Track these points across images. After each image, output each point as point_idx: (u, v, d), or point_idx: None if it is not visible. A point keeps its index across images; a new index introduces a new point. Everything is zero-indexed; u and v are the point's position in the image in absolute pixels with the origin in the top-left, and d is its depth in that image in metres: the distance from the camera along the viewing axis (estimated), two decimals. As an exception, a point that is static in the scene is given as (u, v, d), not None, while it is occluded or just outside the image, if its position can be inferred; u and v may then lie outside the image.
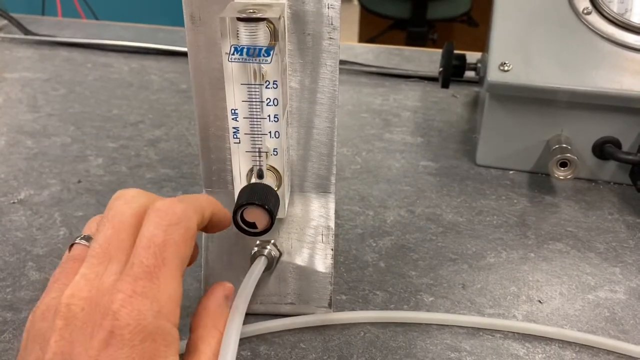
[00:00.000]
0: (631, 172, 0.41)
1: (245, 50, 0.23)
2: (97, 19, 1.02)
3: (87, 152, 0.46)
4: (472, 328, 0.30)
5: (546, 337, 0.29)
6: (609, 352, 0.28)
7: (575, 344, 0.29)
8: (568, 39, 0.41)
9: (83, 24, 0.81)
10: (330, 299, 0.30)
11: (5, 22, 0.75)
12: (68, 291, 0.20)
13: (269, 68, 0.23)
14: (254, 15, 0.22)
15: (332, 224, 0.30)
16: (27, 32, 0.72)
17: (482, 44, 0.50)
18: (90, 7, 1.02)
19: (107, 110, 0.53)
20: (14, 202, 0.40)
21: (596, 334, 0.29)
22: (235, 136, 0.25)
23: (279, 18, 0.22)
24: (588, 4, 0.42)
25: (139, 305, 0.19)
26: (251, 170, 0.26)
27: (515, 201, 0.40)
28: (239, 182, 0.26)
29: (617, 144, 0.41)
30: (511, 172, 0.44)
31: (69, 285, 0.21)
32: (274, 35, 0.23)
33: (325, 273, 0.29)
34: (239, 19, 0.22)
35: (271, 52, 0.23)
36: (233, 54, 0.23)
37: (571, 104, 0.40)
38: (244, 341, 0.29)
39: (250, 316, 0.30)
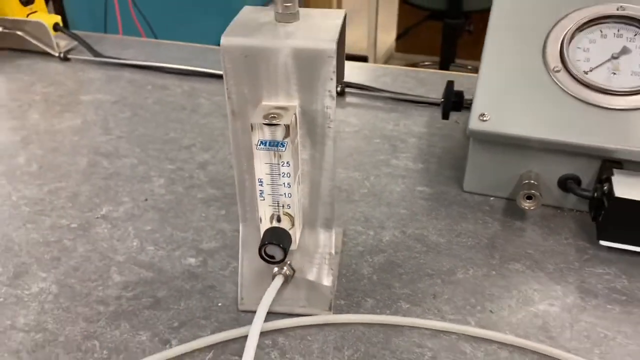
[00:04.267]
0: (589, 202, 0.50)
1: (268, 142, 0.33)
2: (155, 35, 1.14)
3: (151, 173, 0.58)
4: (435, 330, 0.40)
5: (489, 339, 0.39)
6: (534, 352, 0.38)
7: (511, 345, 0.39)
8: (539, 94, 0.50)
9: (142, 42, 0.93)
10: (331, 304, 0.41)
11: (75, 43, 0.87)
12: None
13: (284, 153, 0.34)
14: (274, 122, 0.33)
15: (333, 251, 0.40)
16: (96, 54, 0.84)
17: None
18: (150, 24, 1.14)
19: (164, 133, 0.65)
20: (97, 217, 0.52)
21: (528, 339, 0.39)
22: (261, 195, 0.36)
23: (290, 123, 0.33)
24: (558, 63, 0.50)
25: None
26: (272, 215, 0.37)
27: (489, 225, 0.50)
28: (265, 223, 0.37)
29: (577, 181, 0.50)
30: (492, 198, 0.53)
31: None
32: (288, 132, 0.33)
33: (328, 286, 0.40)
34: (264, 124, 0.33)
35: (286, 144, 0.33)
36: (259, 145, 0.33)
37: (540, 148, 0.49)
38: (267, 334, 0.40)
39: (273, 315, 0.41)
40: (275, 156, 0.34)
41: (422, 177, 0.57)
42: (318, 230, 0.40)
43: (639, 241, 0.46)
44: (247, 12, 0.37)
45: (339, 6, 3.16)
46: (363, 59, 2.13)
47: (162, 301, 0.43)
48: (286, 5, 0.34)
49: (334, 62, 0.33)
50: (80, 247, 0.48)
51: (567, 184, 0.50)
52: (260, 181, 0.35)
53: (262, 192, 0.35)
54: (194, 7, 1.31)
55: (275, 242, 0.35)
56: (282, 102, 0.35)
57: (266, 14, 0.36)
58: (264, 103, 0.35)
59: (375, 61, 2.29)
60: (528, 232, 0.49)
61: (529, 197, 0.49)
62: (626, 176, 0.46)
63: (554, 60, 0.50)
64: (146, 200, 0.54)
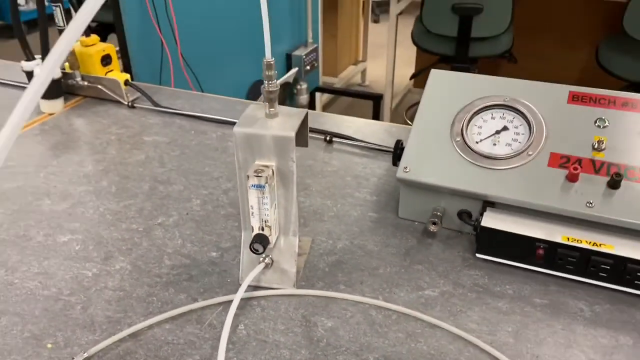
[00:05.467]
0: (474, 229, 0.75)
1: (256, 185, 0.60)
2: (200, 85, 1.44)
3: (191, 196, 0.86)
4: (356, 301, 0.66)
5: (388, 308, 0.65)
6: (412, 316, 0.63)
7: (400, 312, 0.64)
8: (445, 156, 0.75)
9: (189, 94, 1.22)
10: (295, 283, 0.67)
11: (139, 94, 1.17)
12: None
13: (265, 191, 0.61)
14: (260, 174, 0.60)
15: (296, 250, 0.67)
16: (155, 104, 1.13)
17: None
18: (196, 77, 1.44)
19: (202, 167, 0.93)
20: (155, 224, 0.80)
21: (412, 309, 0.64)
22: (252, 214, 0.62)
23: (268, 175, 0.60)
24: (459, 136, 0.76)
25: None
26: (259, 226, 0.64)
27: (409, 240, 0.76)
28: (255, 231, 0.64)
29: (469, 214, 0.75)
30: (416, 222, 0.79)
31: None
32: (267, 180, 0.60)
33: (293, 271, 0.67)
34: (254, 175, 0.60)
35: (265, 186, 0.60)
36: (251, 186, 0.60)
37: (445, 192, 0.75)
38: (255, 298, 0.66)
39: (259, 288, 0.67)
40: (260, 193, 0.61)
41: (374, 206, 0.83)
42: (289, 238, 0.67)
43: (500, 254, 0.70)
44: (250, 109, 0.64)
45: (365, 41, 3.44)
46: (378, 97, 2.40)
47: (194, 277, 0.70)
48: (271, 109, 0.62)
49: (294, 142, 0.60)
50: (145, 243, 0.76)
51: (462, 216, 0.75)
52: (252, 206, 0.62)
53: (253, 212, 0.62)
54: (231, 65, 1.61)
55: (259, 242, 0.62)
56: (266, 162, 0.62)
57: (261, 112, 0.63)
58: (256, 162, 0.62)
59: (392, 98, 2.56)
60: (433, 247, 0.75)
61: (434, 223, 0.74)
62: (494, 212, 0.71)
63: (457, 134, 0.76)
64: (187, 214, 0.82)
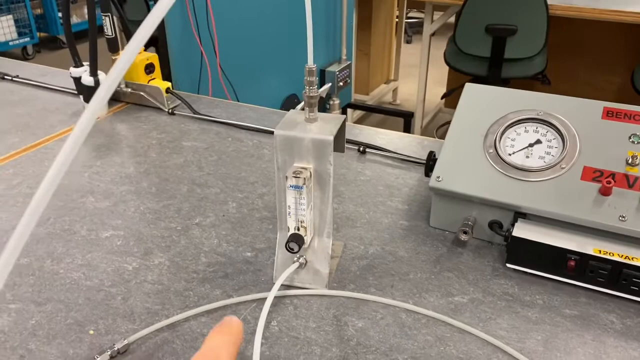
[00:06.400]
0: (504, 239, 0.76)
1: (294, 186, 0.62)
2: (236, 95, 1.48)
3: (227, 199, 0.88)
4: (386, 304, 0.67)
5: (417, 312, 0.66)
6: (442, 321, 0.65)
7: (430, 316, 0.65)
8: (478, 167, 0.77)
9: (227, 103, 1.26)
10: (327, 284, 0.69)
11: (179, 102, 1.21)
12: None
13: (302, 192, 0.63)
14: (298, 175, 0.62)
15: (329, 251, 0.68)
16: (194, 111, 1.17)
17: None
18: (233, 87, 1.49)
19: (238, 173, 0.96)
20: (193, 224, 0.82)
21: (442, 314, 0.65)
22: (289, 214, 0.65)
23: (306, 177, 0.62)
24: (492, 148, 0.77)
25: None
26: (295, 226, 0.66)
27: (440, 248, 0.77)
28: (291, 231, 0.66)
29: (500, 224, 0.76)
30: (447, 232, 0.80)
31: None
32: (305, 181, 0.62)
33: (326, 272, 0.68)
34: (293, 176, 0.62)
35: (303, 187, 0.62)
36: (289, 187, 0.63)
37: (476, 202, 0.76)
38: (288, 297, 0.68)
39: (293, 287, 0.69)
40: (297, 194, 0.63)
41: (405, 214, 0.84)
42: (324, 239, 0.69)
43: (531, 265, 0.71)
44: (290, 114, 0.67)
45: (397, 61, 3.47)
46: (409, 114, 2.41)
47: (229, 275, 0.72)
48: (311, 114, 0.64)
49: (332, 146, 0.62)
50: (182, 241, 0.79)
51: (493, 226, 0.76)
52: (289, 207, 0.64)
53: (289, 212, 0.65)
54: (267, 78, 1.66)
55: (294, 241, 0.64)
56: (304, 165, 0.64)
57: (301, 116, 0.66)
58: (294, 165, 0.64)
59: (422, 117, 2.57)
60: (464, 255, 0.76)
61: (465, 232, 0.75)
62: (525, 223, 0.72)
63: (490, 145, 0.77)
64: (223, 215, 0.84)
